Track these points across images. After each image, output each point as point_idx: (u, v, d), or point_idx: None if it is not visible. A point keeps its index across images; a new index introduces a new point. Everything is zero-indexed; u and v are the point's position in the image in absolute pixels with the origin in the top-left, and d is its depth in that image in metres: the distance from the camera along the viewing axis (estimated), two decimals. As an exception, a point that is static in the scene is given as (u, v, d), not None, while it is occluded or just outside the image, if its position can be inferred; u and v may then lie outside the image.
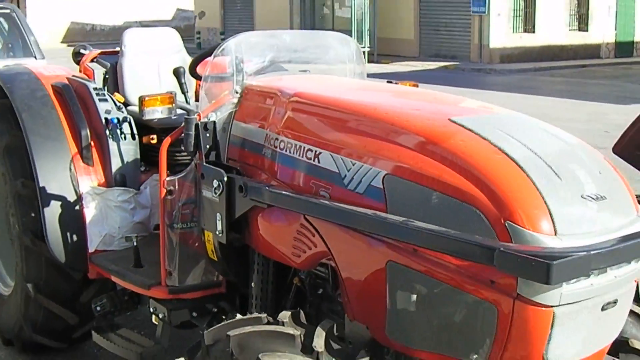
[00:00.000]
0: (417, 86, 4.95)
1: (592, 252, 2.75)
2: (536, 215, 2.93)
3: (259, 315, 3.43)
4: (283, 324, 3.30)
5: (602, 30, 33.99)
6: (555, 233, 2.91)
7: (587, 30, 33.81)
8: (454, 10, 32.23)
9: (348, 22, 31.58)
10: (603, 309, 3.14)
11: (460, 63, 30.60)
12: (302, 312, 3.46)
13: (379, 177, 3.35)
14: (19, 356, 5.68)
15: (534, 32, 32.26)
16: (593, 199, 3.08)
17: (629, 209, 3.23)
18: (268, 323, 3.34)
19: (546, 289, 2.88)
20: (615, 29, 34.43)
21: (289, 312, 3.39)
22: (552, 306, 2.93)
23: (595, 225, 3.03)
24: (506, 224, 2.92)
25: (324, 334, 3.22)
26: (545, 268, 2.61)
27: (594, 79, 26.12)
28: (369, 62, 30.74)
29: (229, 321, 3.40)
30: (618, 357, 3.68)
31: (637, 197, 3.61)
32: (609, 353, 3.60)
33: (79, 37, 39.00)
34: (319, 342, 3.15)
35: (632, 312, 3.92)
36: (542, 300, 2.91)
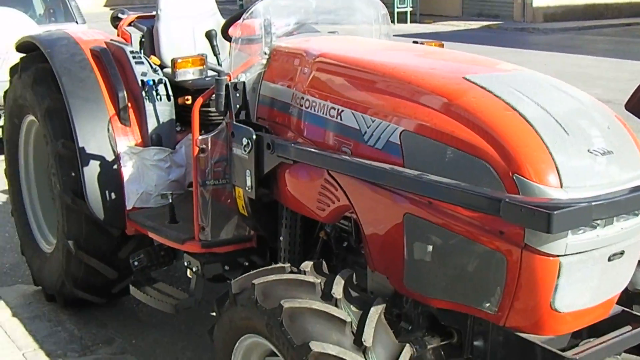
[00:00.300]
0: (442, 46, 5.06)
1: (594, 203, 2.88)
2: (543, 169, 3.06)
3: (283, 265, 3.61)
4: (305, 273, 3.48)
5: (648, -12, 33.50)
6: (561, 186, 3.04)
7: (632, -12, 33.35)
8: (498, -32, 31.97)
9: (390, -18, 31.48)
10: (610, 259, 3.27)
11: (503, 22, 30.36)
12: (324, 263, 3.63)
13: (397, 134, 3.50)
14: (61, 311, 5.92)
15: (577, -10, 31.88)
16: (600, 153, 3.20)
17: (636, 163, 3.34)
18: (291, 272, 3.52)
19: (552, 239, 3.03)
20: (663, -14, 33.91)
21: (311, 262, 3.57)
22: (558, 256, 3.08)
23: (602, 178, 3.15)
24: (514, 177, 3.06)
25: (343, 282, 3.39)
26: (546, 217, 2.75)
27: (638, 38, 25.80)
28: (411, 22, 30.76)
29: (254, 271, 3.58)
30: (632, 309, 3.79)
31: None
32: (622, 304, 3.75)
33: (121, 1, 39.19)
34: (337, 290, 3.32)
35: (645, 265, 4.07)
36: (548, 249, 3.06)
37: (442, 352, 3.67)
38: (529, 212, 2.80)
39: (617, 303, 3.64)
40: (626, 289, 3.95)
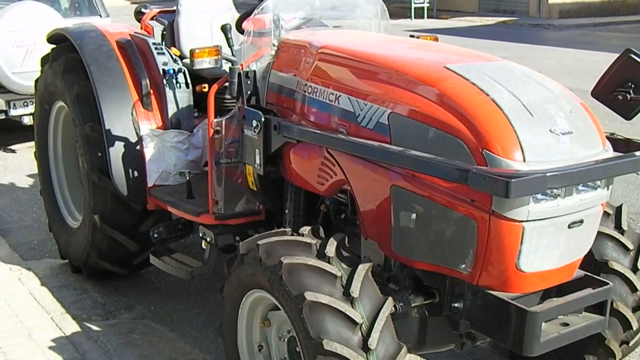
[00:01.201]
0: (436, 39, 5.54)
1: (549, 174, 3.36)
2: (508, 145, 3.54)
3: (285, 229, 4.10)
4: (303, 235, 3.97)
5: (664, -15, 33.67)
6: (524, 160, 3.52)
7: (649, -15, 33.53)
8: (514, -35, 32.23)
9: (408, -22, 31.79)
10: (570, 227, 3.74)
11: (519, 18, 30.66)
12: (321, 228, 4.11)
13: (385, 115, 4.00)
14: (86, 281, 6.43)
15: (594, -13, 32.11)
16: (561, 133, 3.67)
17: (595, 143, 3.81)
18: (291, 235, 4.01)
19: (515, 206, 3.51)
20: (679, -16, 34.05)
21: (309, 227, 4.05)
22: (521, 221, 3.56)
23: (562, 154, 3.62)
24: (483, 153, 3.54)
25: (336, 243, 3.87)
26: (505, 184, 3.23)
27: (653, 35, 26.07)
28: (428, 17, 31.08)
29: (259, 234, 4.08)
30: (599, 276, 4.25)
31: (611, 135, 4.22)
32: (591, 271, 4.22)
33: (149, -3, 39.66)
34: (330, 249, 3.81)
35: (612, 238, 4.57)
36: (512, 215, 3.54)
37: (426, 311, 4.16)
38: (491, 180, 3.28)
39: (586, 271, 4.12)
40: (594, 259, 4.47)
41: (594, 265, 4.47)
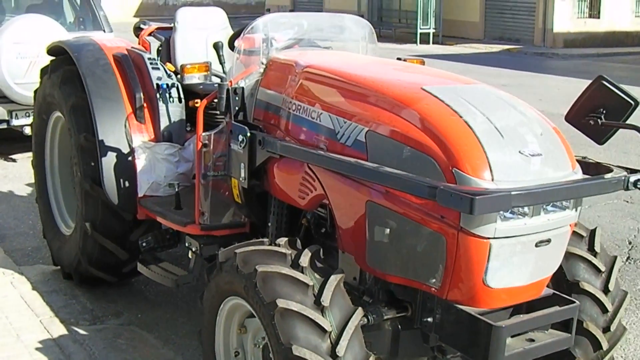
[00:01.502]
0: (423, 63, 5.69)
1: (513, 192, 3.50)
2: (477, 164, 3.69)
3: (262, 239, 4.25)
4: (279, 245, 4.12)
5: (669, 17, 33.87)
6: (493, 179, 3.66)
7: (653, 17, 33.73)
8: (520, -7, 32.45)
9: (414, 4, 31.97)
10: (537, 245, 3.88)
11: (524, 46, 30.86)
12: (298, 240, 4.26)
13: (363, 133, 4.16)
14: (76, 288, 6.59)
15: (598, 17, 32.23)
16: (531, 155, 3.81)
17: (564, 165, 3.95)
18: (268, 245, 4.16)
19: (483, 223, 3.65)
20: (683, 17, 34.26)
21: (286, 239, 4.20)
22: (488, 238, 3.70)
23: (530, 175, 3.75)
24: (453, 171, 3.69)
25: (310, 254, 4.01)
26: (469, 201, 3.37)
27: (657, 67, 26.23)
28: (433, 43, 31.31)
29: (238, 244, 4.22)
30: (571, 297, 4.38)
31: (583, 158, 4.37)
32: (563, 292, 4.36)
33: (151, 12, 39.99)
34: (304, 259, 3.95)
35: (585, 259, 4.70)
36: (479, 232, 3.68)
37: (399, 324, 4.30)
38: (456, 197, 3.43)
39: (558, 292, 4.27)
40: (566, 279, 4.61)
41: (565, 286, 4.60)
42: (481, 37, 33.67)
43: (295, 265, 3.94)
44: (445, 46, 31.23)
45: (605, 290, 4.67)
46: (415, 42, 31.22)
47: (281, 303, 3.70)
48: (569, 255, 4.64)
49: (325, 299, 3.77)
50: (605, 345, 4.67)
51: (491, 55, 28.25)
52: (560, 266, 4.57)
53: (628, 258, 7.66)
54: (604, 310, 4.65)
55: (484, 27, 34.00)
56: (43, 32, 10.22)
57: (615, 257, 4.83)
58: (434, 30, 31.86)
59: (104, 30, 11.89)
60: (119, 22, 17.55)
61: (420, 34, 31.31)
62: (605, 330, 4.67)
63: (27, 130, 10.55)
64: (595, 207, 9.28)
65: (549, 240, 3.92)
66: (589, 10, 32.21)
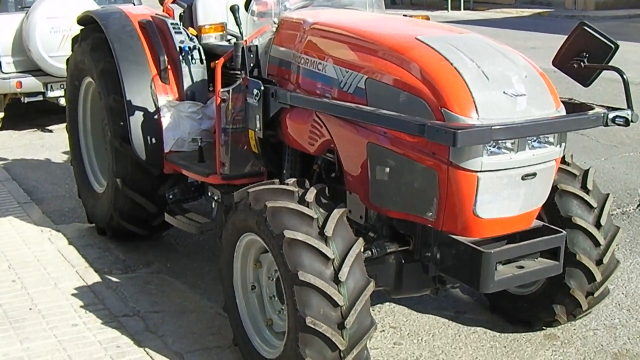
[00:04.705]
0: (428, 19, 6.01)
1: (494, 127, 3.86)
2: (464, 104, 4.03)
3: (273, 180, 4.63)
4: (287, 184, 4.50)
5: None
6: (478, 117, 4.01)
7: (687, -23, 33.35)
8: (551, -44, 32.33)
9: (446, -30, 32.09)
10: (523, 179, 4.23)
11: (555, 10, 30.85)
12: (306, 180, 4.62)
13: (363, 81, 4.52)
14: (109, 241, 7.03)
15: (630, -21, 32.08)
16: (515, 95, 4.15)
17: (548, 104, 4.28)
18: (278, 185, 4.54)
19: (471, 156, 4.01)
20: None
21: (294, 179, 4.58)
22: (475, 171, 4.06)
23: (513, 113, 4.09)
24: (442, 111, 4.04)
25: (315, 191, 4.39)
26: (452, 134, 3.74)
27: (688, 26, 26.09)
28: (464, 9, 31.36)
29: (250, 185, 4.60)
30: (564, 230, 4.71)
31: (569, 100, 4.68)
32: (559, 226, 4.69)
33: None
34: (310, 196, 4.33)
35: (577, 196, 5.03)
36: (467, 166, 4.05)
37: (402, 258, 4.68)
38: (441, 131, 3.80)
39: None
40: (560, 215, 4.94)
41: (560, 222, 4.93)
42: (512, 1, 33.61)
43: (302, 200, 4.32)
44: (475, 12, 31.31)
45: (598, 225, 5.01)
46: (447, 9, 31.30)
47: (288, 234, 4.09)
48: (562, 193, 4.99)
49: (329, 230, 4.15)
50: (598, 277, 5.02)
51: (522, 20, 28.25)
52: (554, 202, 4.95)
53: (639, 206, 7.93)
54: (597, 243, 4.99)
55: (515, -9, 33.92)
56: (75, 6, 10.59)
57: (608, 195, 5.15)
58: (465, -4, 31.91)
59: (134, 3, 12.25)
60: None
61: (451, 0, 31.37)
62: (599, 262, 5.01)
63: (63, 102, 10.99)
64: (611, 159, 9.56)
65: (534, 174, 4.26)
66: (621, -29, 31.95)
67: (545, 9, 31.20)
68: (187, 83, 6.33)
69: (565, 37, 4.82)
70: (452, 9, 31.36)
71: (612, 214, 7.05)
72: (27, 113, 12.34)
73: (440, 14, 29.31)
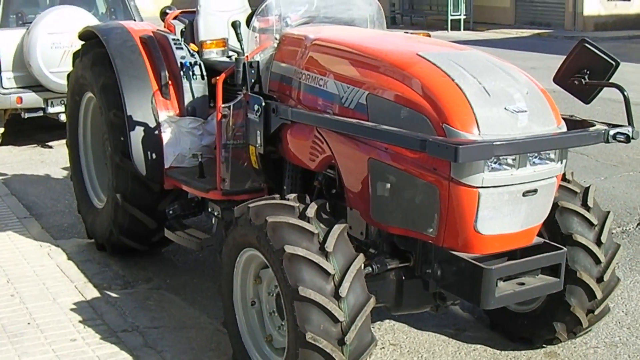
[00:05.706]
0: (429, 36, 6.02)
1: (495, 143, 3.86)
2: (465, 120, 4.04)
3: (274, 195, 4.62)
4: (288, 199, 4.49)
5: (701, -1, 33.61)
6: (479, 133, 4.01)
7: (685, 0, 33.47)
8: (550, -22, 32.43)
9: (445, -10, 32.17)
10: (524, 195, 4.23)
11: (554, 31, 30.87)
12: (306, 195, 4.62)
13: (364, 96, 4.53)
14: (109, 257, 7.02)
15: (629, 0, 32.17)
16: (516, 111, 4.16)
17: (550, 121, 4.28)
18: (278, 200, 4.54)
19: (471, 173, 4.01)
20: None
21: (295, 194, 4.57)
22: (476, 187, 4.06)
23: (514, 129, 4.10)
24: (443, 127, 4.05)
25: (316, 207, 4.38)
26: (454, 150, 3.74)
27: (687, 48, 26.14)
28: (464, 29, 31.43)
29: (251, 200, 4.59)
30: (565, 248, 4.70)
31: (570, 116, 4.69)
32: (560, 244, 4.68)
33: (186, 5, 40.35)
34: (310, 211, 4.32)
35: (578, 214, 5.02)
36: (468, 181, 4.04)
37: (402, 274, 4.67)
38: (443, 147, 3.81)
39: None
40: (560, 232, 4.94)
41: (560, 239, 4.92)
42: (512, 22, 33.65)
43: (303, 216, 4.32)
44: (476, 32, 31.34)
45: (598, 243, 5.00)
46: (446, 29, 31.37)
47: (289, 249, 4.08)
48: (563, 210, 4.99)
49: (329, 245, 4.14)
50: (599, 295, 5.00)
51: (521, 40, 28.32)
52: (555, 219, 4.94)
53: (639, 224, 7.93)
54: (597, 261, 4.98)
55: (514, 12, 33.96)
56: (76, 23, 10.62)
57: (608, 212, 5.14)
58: (464, 17, 31.92)
59: (135, 20, 12.27)
60: (154, 17, 17.94)
61: (451, 20, 31.43)
62: (599, 280, 5.00)
63: (63, 118, 11.00)
64: (611, 178, 9.56)
65: (535, 191, 4.26)
66: (620, -7, 32.04)
67: (545, 29, 31.21)
68: (188, 99, 6.34)
69: (564, 57, 4.82)
70: (452, 29, 31.40)
71: (612, 233, 7.04)
72: (27, 129, 12.36)
73: (440, 34, 29.32)
